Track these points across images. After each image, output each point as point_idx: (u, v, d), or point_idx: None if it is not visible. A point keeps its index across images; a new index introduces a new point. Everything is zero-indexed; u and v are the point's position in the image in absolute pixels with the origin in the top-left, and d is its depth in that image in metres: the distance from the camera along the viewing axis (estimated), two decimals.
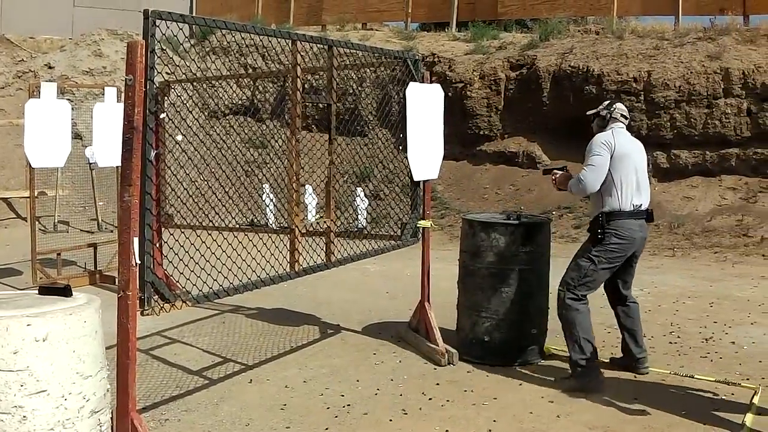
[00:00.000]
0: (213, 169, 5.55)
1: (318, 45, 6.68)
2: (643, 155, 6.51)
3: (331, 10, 20.04)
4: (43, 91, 9.37)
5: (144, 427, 4.32)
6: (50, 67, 18.39)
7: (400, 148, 6.95)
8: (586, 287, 6.29)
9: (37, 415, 3.52)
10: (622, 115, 6.50)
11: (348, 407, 5.89)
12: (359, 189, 13.74)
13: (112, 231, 13.88)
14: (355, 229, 10.72)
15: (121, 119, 9.62)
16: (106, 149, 9.77)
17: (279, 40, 5.92)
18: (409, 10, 19.18)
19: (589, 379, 6.20)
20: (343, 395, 6.13)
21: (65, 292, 3.93)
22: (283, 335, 7.74)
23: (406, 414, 5.77)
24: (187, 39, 18.55)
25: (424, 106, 6.92)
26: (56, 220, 14.67)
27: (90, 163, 13.30)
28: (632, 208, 6.24)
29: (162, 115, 4.80)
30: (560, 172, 6.69)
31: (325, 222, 6.64)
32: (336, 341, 7.59)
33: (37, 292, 4.07)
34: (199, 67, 16.70)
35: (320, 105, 11.64)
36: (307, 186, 9.92)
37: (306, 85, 12.46)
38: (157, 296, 4.56)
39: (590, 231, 6.38)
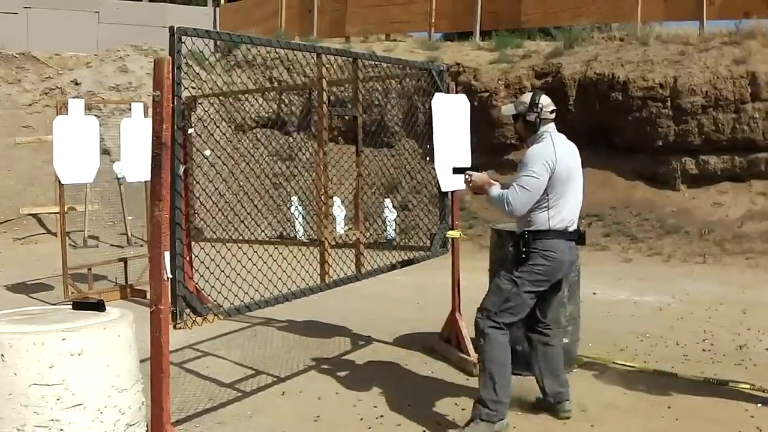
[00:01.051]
0: (241, 183, 5.57)
1: (342, 57, 6.72)
2: (578, 162, 5.67)
3: (354, 22, 20.09)
4: (70, 108, 9.43)
5: None
6: (77, 84, 18.57)
7: (428, 158, 6.95)
8: (508, 314, 5.51)
9: (73, 428, 3.54)
10: (552, 111, 5.62)
11: (381, 418, 5.89)
12: (387, 200, 13.71)
13: (141, 245, 13.97)
14: (384, 240, 10.71)
15: (148, 134, 9.69)
16: (134, 164, 9.82)
17: (304, 53, 5.95)
18: (433, 21, 19.16)
19: (491, 428, 5.41)
20: (375, 406, 6.12)
21: (99, 306, 3.95)
22: (315, 347, 7.75)
23: (439, 425, 5.75)
24: (212, 53, 18.67)
25: (450, 117, 6.91)
26: (86, 235, 14.77)
27: (118, 178, 13.39)
28: (563, 228, 5.47)
29: (190, 131, 4.82)
30: (475, 174, 5.73)
31: (354, 234, 6.65)
32: (367, 352, 7.58)
33: (70, 307, 4.09)
34: (224, 81, 16.79)
35: (346, 117, 11.68)
36: (335, 198, 9.92)
37: (331, 98, 12.49)
38: (188, 310, 4.59)
39: (513, 250, 5.63)
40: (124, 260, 10.79)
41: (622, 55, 15.15)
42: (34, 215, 15.85)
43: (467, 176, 5.74)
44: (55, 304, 8.69)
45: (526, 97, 5.63)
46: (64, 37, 19.67)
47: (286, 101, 17.61)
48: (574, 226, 5.54)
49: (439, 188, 7.09)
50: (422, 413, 6.00)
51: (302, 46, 5.68)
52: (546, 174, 5.32)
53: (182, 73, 4.44)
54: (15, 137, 16.03)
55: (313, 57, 6.23)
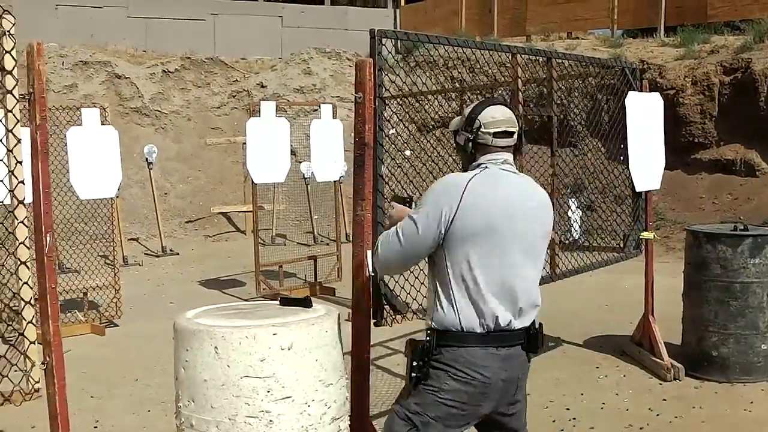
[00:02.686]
0: (429, 183, 5.63)
1: (531, 56, 6.67)
2: (539, 223, 3.54)
3: (535, 21, 19.91)
4: (262, 110, 9.74)
5: None
6: (262, 86, 19.13)
7: (621, 158, 6.84)
8: None
9: (282, 420, 3.64)
10: (501, 134, 3.54)
11: (574, 420, 5.85)
12: (572, 200, 13.54)
13: (327, 244, 14.27)
14: (567, 241, 10.60)
15: (336, 135, 9.92)
16: (323, 164, 10.05)
17: (489, 52, 5.92)
18: (615, 17, 18.77)
19: None
20: (568, 408, 6.09)
21: (306, 303, 4.06)
22: None
23: (632, 429, 5.67)
24: (391, 54, 18.81)
25: (644, 116, 6.79)
26: (273, 234, 15.19)
27: (305, 178, 13.72)
28: (486, 329, 3.40)
29: (391, 131, 4.89)
30: (399, 207, 3.84)
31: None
32: (558, 354, 7.54)
33: (278, 303, 4.22)
34: (404, 82, 16.94)
35: (541, 117, 11.61)
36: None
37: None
38: (389, 308, 4.66)
39: (409, 361, 3.58)
40: (314, 258, 11.05)
41: None
42: (224, 214, 16.41)
43: (388, 208, 3.97)
44: (247, 300, 9.00)
45: (468, 109, 3.69)
46: (250, 42, 20.30)
47: (468, 101, 17.62)
48: (519, 322, 3.47)
49: (632, 188, 6.98)
50: (615, 417, 5.93)
51: (497, 47, 5.69)
52: (433, 223, 3.38)
53: (383, 75, 4.51)
54: (205, 138, 16.67)
55: (508, 56, 6.24)
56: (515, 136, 3.58)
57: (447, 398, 3.39)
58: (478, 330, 3.38)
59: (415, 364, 3.45)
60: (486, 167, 3.49)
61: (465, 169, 3.63)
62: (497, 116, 3.54)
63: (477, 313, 3.38)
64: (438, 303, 3.45)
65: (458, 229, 3.35)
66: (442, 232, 3.38)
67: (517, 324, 3.45)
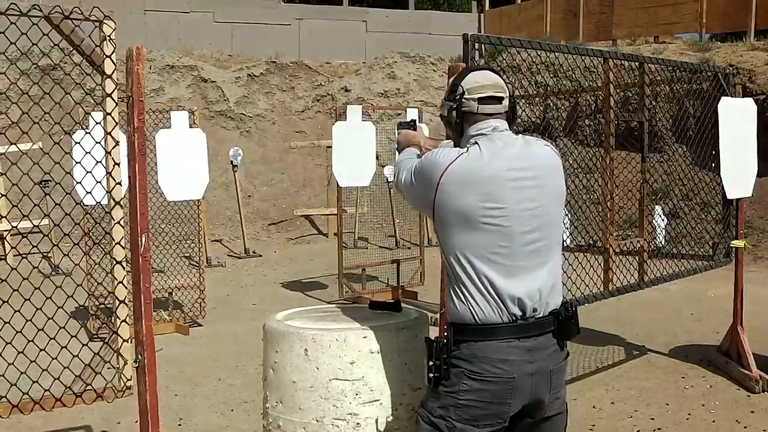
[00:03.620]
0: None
1: (618, 61, 6.59)
2: (546, 188, 3.17)
3: (621, 25, 19.67)
4: (349, 114, 9.77)
5: None
6: (346, 91, 19.23)
7: (712, 165, 6.72)
8: None
9: (369, 423, 3.65)
10: (482, 100, 3.18)
11: (659, 431, 5.76)
12: (657, 207, 13.36)
13: (409, 248, 14.29)
14: (653, 249, 10.46)
15: None
16: None
17: (574, 57, 5.86)
18: (703, 21, 18.46)
19: None
20: (653, 418, 6.00)
21: (396, 307, 4.06)
22: (589, 355, 7.67)
23: None
24: (475, 60, 18.76)
25: (737, 122, 6.66)
26: (356, 237, 15.25)
27: (389, 182, 13.75)
28: (502, 320, 3.05)
29: None
30: (404, 132, 3.80)
31: (638, 241, 6.52)
32: (642, 363, 7.43)
33: (366, 306, 4.24)
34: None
35: (622, 122, 11.50)
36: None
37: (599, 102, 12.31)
38: None
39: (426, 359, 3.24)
40: (397, 262, 11.06)
41: None
42: (307, 217, 16.54)
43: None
44: (329, 303, 9.05)
45: (452, 80, 3.34)
46: (335, 46, 20.42)
47: (552, 106, 17.50)
48: (541, 308, 3.11)
49: (723, 195, 6.85)
50: (701, 429, 5.85)
51: (589, 51, 5.62)
52: (421, 195, 3.20)
53: None
54: (289, 142, 16.81)
55: (593, 61, 6.19)
56: (504, 102, 3.21)
57: (467, 399, 3.06)
58: (496, 321, 3.04)
59: (431, 363, 3.14)
60: (474, 143, 3.12)
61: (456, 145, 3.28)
62: (481, 81, 3.20)
63: (491, 304, 3.04)
64: (450, 296, 3.16)
65: (447, 216, 3.08)
66: (431, 210, 3.13)
67: (540, 310, 3.10)
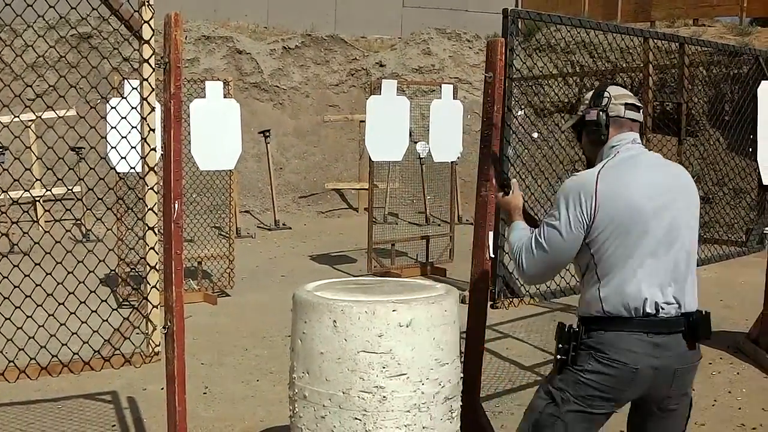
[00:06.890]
0: (543, 168, 5.51)
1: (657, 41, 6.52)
2: (686, 201, 3.38)
3: (660, 6, 19.46)
4: (384, 88, 9.73)
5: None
6: (381, 65, 19.16)
7: (749, 150, 6.65)
8: None
9: (395, 396, 3.65)
10: (629, 107, 3.45)
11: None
12: None
13: (439, 224, 14.25)
14: None
15: (456, 116, 9.84)
16: (442, 145, 10.01)
17: (613, 36, 5.78)
18: (744, 5, 18.23)
19: None
20: None
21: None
22: None
23: (744, 429, 5.52)
24: (513, 36, 18.64)
25: None
26: (386, 212, 15.23)
27: (420, 158, 13.70)
28: (632, 313, 3.21)
29: (519, 113, 4.83)
30: (500, 198, 3.80)
31: None
32: None
33: (398, 279, 4.24)
34: (524, 64, 16.77)
35: (658, 105, 11.38)
36: None
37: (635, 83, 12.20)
38: (506, 290, 4.63)
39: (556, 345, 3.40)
40: (426, 238, 11.04)
41: None
42: (338, 190, 16.54)
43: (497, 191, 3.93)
44: (357, 276, 9.05)
45: (590, 94, 3.58)
46: (370, 20, 20.34)
47: (588, 86, 17.36)
48: (671, 308, 3.25)
49: (759, 181, 6.78)
50: (726, 415, 5.79)
51: (630, 30, 5.56)
52: (578, 227, 3.26)
53: (515, 55, 4.46)
54: (323, 115, 16.80)
55: (632, 42, 6.11)
56: (641, 112, 3.48)
57: (589, 378, 3.22)
58: (624, 314, 3.20)
59: (561, 346, 3.31)
60: (616, 153, 3.34)
61: (589, 160, 3.55)
62: (622, 91, 3.48)
63: (622, 299, 3.20)
64: (586, 289, 3.34)
65: (600, 221, 3.22)
66: (587, 228, 3.25)
67: (671, 310, 3.23)
